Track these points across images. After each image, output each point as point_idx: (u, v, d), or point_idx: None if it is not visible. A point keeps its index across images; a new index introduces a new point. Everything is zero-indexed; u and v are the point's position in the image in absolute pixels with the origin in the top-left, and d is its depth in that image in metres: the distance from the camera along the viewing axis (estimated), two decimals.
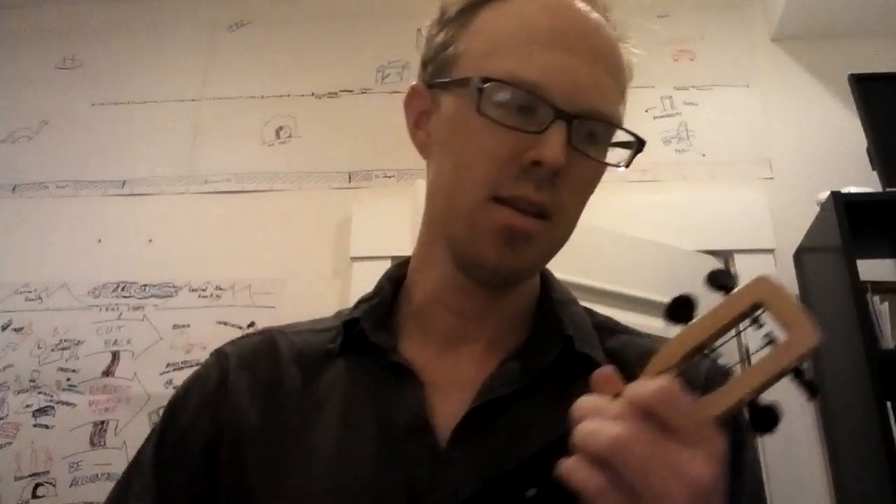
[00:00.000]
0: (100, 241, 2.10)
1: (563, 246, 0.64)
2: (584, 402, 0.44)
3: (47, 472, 1.83)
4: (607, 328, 0.68)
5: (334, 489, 0.56)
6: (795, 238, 1.85)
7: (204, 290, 2.00)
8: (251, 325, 1.95)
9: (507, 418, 0.58)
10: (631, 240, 1.80)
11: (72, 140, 2.25)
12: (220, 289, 2.00)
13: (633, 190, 2.04)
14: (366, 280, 2.24)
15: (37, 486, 1.81)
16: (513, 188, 0.56)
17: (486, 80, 0.57)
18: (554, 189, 0.57)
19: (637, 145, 0.61)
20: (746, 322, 0.45)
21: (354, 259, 1.97)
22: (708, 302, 0.47)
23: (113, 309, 2.00)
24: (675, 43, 2.25)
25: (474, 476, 0.54)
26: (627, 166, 0.62)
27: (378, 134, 2.15)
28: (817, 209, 1.74)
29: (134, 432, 1.85)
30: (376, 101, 2.20)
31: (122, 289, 2.03)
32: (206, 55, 2.34)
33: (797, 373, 0.44)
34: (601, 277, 1.69)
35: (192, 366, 1.91)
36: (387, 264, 2.32)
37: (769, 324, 0.44)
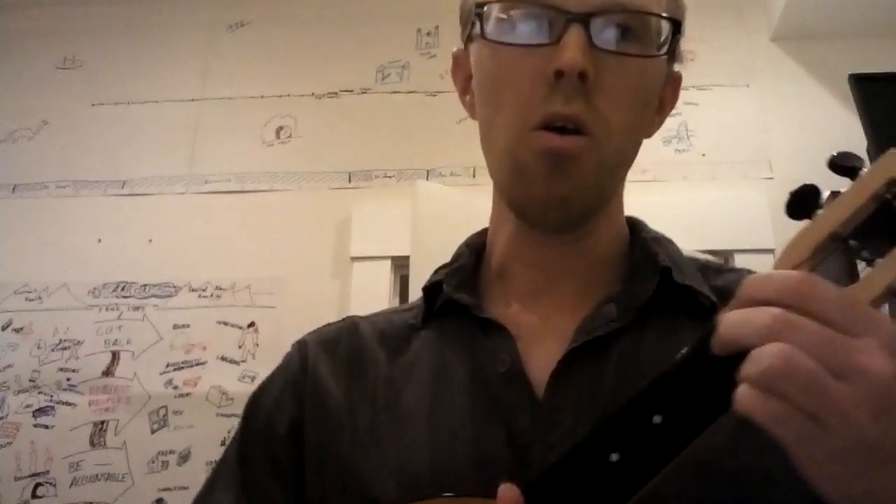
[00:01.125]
0: (100, 241, 2.10)
1: (623, 167, 0.59)
2: (732, 320, 0.38)
3: (47, 472, 1.83)
4: (712, 268, 0.62)
5: (433, 445, 0.53)
6: None
7: (204, 290, 2.00)
8: (251, 325, 1.95)
9: (611, 360, 0.54)
10: None
11: (72, 140, 2.25)
12: (220, 289, 2.00)
13: (633, 190, 2.01)
14: (366, 280, 2.26)
15: (37, 486, 1.81)
16: (541, 109, 0.53)
17: (481, 4, 0.55)
18: (589, 102, 0.52)
19: (673, 25, 0.55)
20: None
21: (354, 259, 1.97)
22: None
23: (113, 309, 2.00)
24: None
25: (582, 421, 0.50)
26: (667, 53, 0.56)
27: (378, 134, 2.15)
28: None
29: (134, 432, 1.85)
30: (376, 101, 2.20)
31: (122, 289, 2.03)
32: (206, 55, 2.34)
33: None
34: None
35: (192, 366, 1.91)
36: (387, 264, 2.33)
37: None
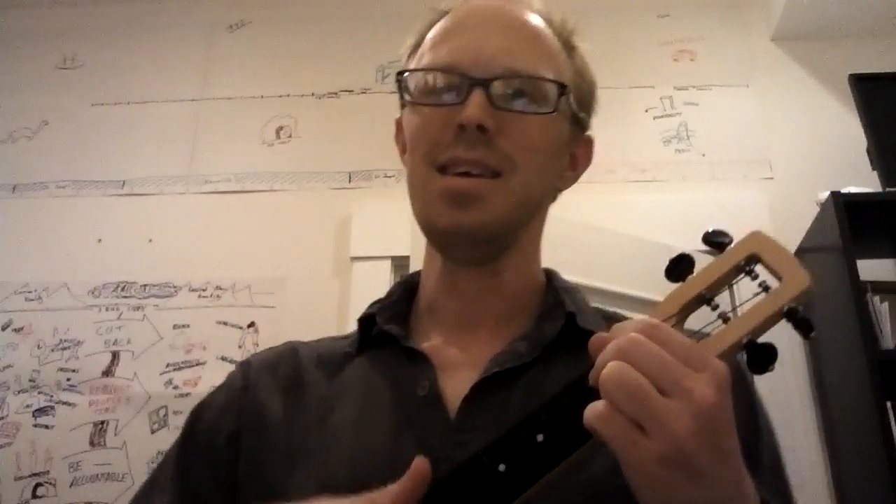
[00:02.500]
0: (100, 241, 2.10)
1: (533, 203, 0.67)
2: (595, 338, 0.47)
3: (47, 472, 1.83)
4: (616, 319, 0.67)
5: (353, 459, 0.59)
6: (795, 238, 1.85)
7: (204, 290, 2.00)
8: (251, 325, 1.95)
9: (518, 390, 0.61)
10: (631, 240, 1.80)
11: (72, 140, 2.25)
12: (220, 289, 2.00)
13: (633, 190, 2.04)
14: (366, 280, 2.26)
15: (37, 486, 1.81)
16: (446, 153, 0.62)
17: (401, 72, 0.67)
18: (492, 147, 0.62)
19: (559, 88, 0.65)
20: (742, 275, 0.49)
21: (354, 259, 1.97)
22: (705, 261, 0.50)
23: (113, 309, 2.00)
24: (675, 43, 2.25)
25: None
26: (554, 110, 0.65)
27: (378, 134, 2.14)
28: (817, 209, 1.74)
29: (134, 432, 1.85)
30: (376, 101, 2.20)
31: (122, 289, 2.03)
32: (206, 55, 2.34)
33: (790, 313, 0.46)
34: (601, 277, 1.69)
35: (192, 366, 1.91)
36: (387, 264, 2.33)
37: (763, 274, 0.48)
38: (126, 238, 2.09)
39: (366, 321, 0.70)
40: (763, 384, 2.02)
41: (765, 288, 0.48)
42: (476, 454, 0.48)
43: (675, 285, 0.50)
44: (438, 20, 0.71)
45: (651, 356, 0.43)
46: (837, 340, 1.65)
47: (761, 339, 0.47)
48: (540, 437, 0.46)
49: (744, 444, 0.44)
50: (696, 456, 0.41)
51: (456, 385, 0.61)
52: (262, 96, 2.26)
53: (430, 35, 0.70)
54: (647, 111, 2.15)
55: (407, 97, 0.67)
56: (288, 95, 2.25)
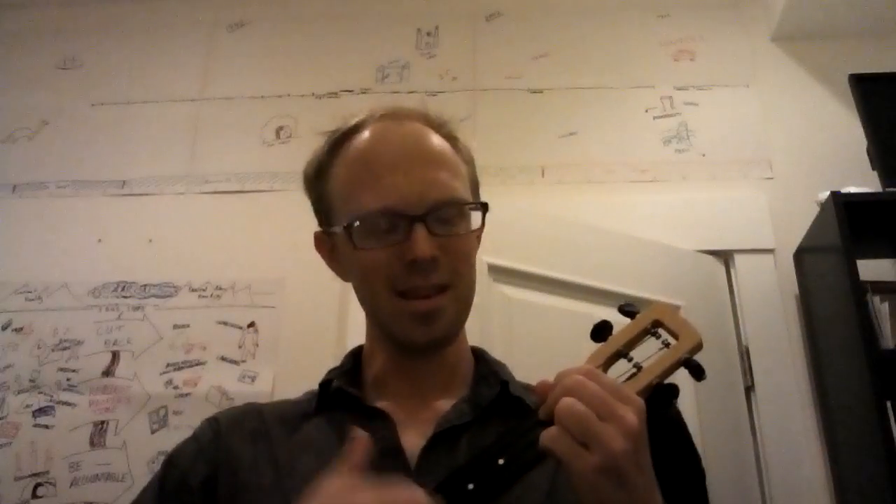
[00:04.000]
0: (100, 241, 2.10)
1: (471, 300, 0.78)
2: (541, 383, 0.60)
3: (47, 472, 1.83)
4: (529, 388, 0.79)
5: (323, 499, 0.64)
6: (795, 238, 1.86)
7: (204, 290, 2.00)
8: (251, 325, 1.95)
9: (463, 442, 0.72)
10: (631, 240, 1.80)
11: (72, 140, 2.25)
12: (220, 289, 2.00)
13: (633, 190, 2.04)
14: None
15: (37, 486, 1.81)
16: (407, 282, 0.72)
17: (348, 225, 0.74)
18: (439, 269, 0.72)
19: (482, 208, 0.77)
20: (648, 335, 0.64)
21: None
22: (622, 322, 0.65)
23: (113, 309, 2.00)
24: (675, 43, 2.25)
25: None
26: (482, 225, 0.78)
27: None
28: (817, 209, 1.74)
29: (134, 432, 1.85)
30: (376, 101, 2.20)
31: (122, 289, 2.03)
32: (206, 55, 2.34)
33: (687, 363, 0.61)
34: (601, 277, 1.69)
35: (192, 366, 1.91)
36: None
37: (664, 335, 0.63)
38: (126, 238, 2.09)
39: (324, 385, 0.80)
40: (763, 384, 2.02)
41: (666, 344, 0.63)
42: (448, 476, 0.57)
43: (598, 345, 0.64)
44: (342, 142, 0.81)
45: (592, 392, 0.55)
46: (837, 340, 1.65)
47: (666, 382, 0.61)
48: (501, 461, 0.57)
49: (672, 472, 0.60)
50: (624, 467, 0.53)
51: (410, 439, 0.72)
52: (261, 96, 2.26)
53: (348, 165, 0.78)
54: (647, 111, 2.15)
55: (352, 242, 0.74)
56: (288, 95, 2.25)
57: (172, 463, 0.76)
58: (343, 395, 0.77)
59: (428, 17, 2.28)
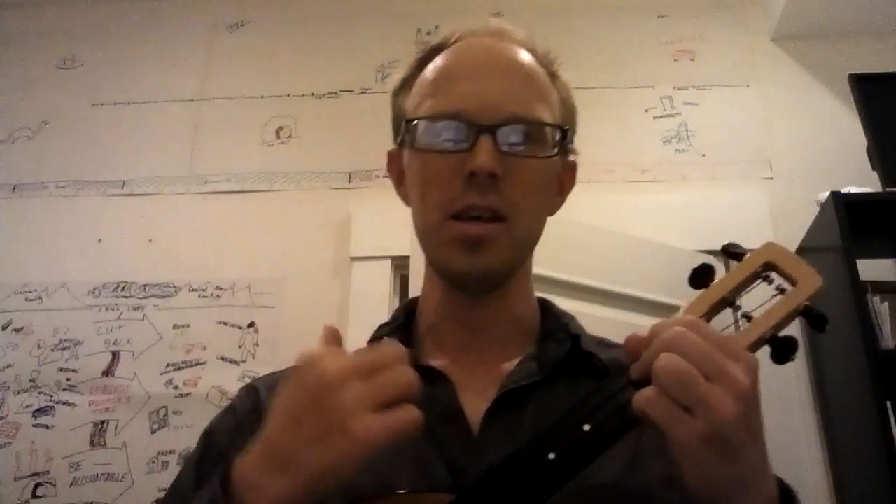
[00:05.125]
0: (100, 241, 2.10)
1: (532, 241, 0.71)
2: (630, 336, 0.51)
3: (47, 472, 1.83)
4: (604, 343, 0.74)
5: (375, 470, 0.59)
6: (795, 238, 1.85)
7: (204, 290, 2.00)
8: (251, 325, 1.95)
9: (530, 406, 0.65)
10: (631, 240, 1.80)
11: (72, 140, 2.25)
12: (220, 289, 2.00)
13: (633, 190, 2.04)
14: (366, 280, 2.26)
15: (37, 486, 1.81)
16: (460, 201, 0.65)
17: (410, 121, 0.69)
18: (500, 193, 0.65)
19: (561, 133, 0.69)
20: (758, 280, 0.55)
21: (354, 259, 1.97)
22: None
23: (113, 309, 2.00)
24: (675, 43, 2.25)
25: (502, 454, 0.59)
26: (556, 154, 0.69)
27: (378, 134, 2.12)
28: (817, 209, 1.74)
29: (134, 432, 1.85)
30: (376, 101, 2.20)
31: (122, 289, 2.03)
32: (206, 55, 2.34)
33: (807, 311, 0.53)
34: (601, 277, 1.69)
35: (192, 366, 1.91)
36: (387, 264, 2.33)
37: (777, 279, 0.55)
38: (126, 238, 2.09)
39: (372, 344, 0.73)
40: (763, 384, 2.01)
41: (781, 290, 0.54)
42: (528, 444, 0.51)
43: (697, 292, 0.55)
44: (431, 57, 0.73)
45: (696, 347, 0.48)
46: (837, 340, 1.65)
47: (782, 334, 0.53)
48: (587, 427, 0.50)
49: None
50: (734, 435, 0.46)
51: (471, 402, 0.65)
52: (262, 96, 2.26)
53: (427, 76, 0.72)
54: (647, 111, 2.15)
55: (413, 144, 0.69)
56: (288, 95, 2.25)
57: (210, 438, 0.72)
58: None
59: (428, 17, 2.28)
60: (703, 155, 2.09)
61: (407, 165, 0.73)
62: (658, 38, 2.25)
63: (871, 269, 1.69)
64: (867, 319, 1.54)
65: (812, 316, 0.53)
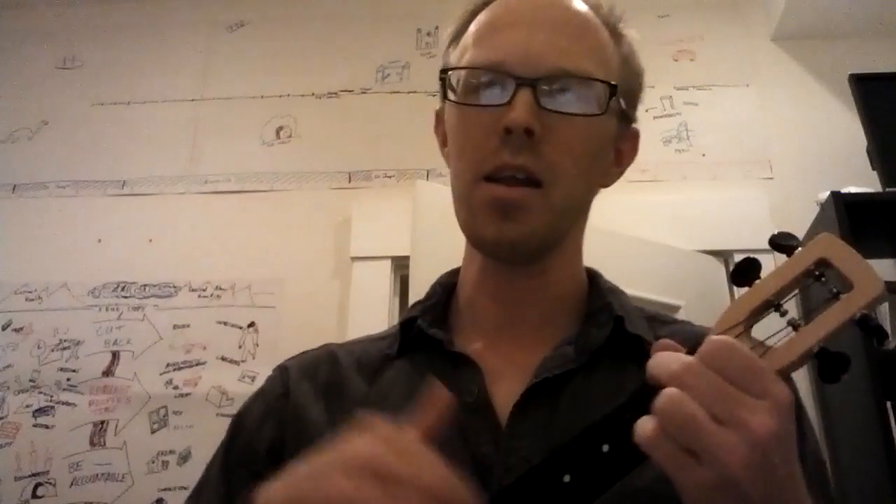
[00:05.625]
0: (100, 241, 2.10)
1: (575, 211, 0.65)
2: (653, 362, 0.45)
3: (47, 472, 1.82)
4: (658, 319, 0.69)
5: None
6: None
7: (204, 290, 2.00)
8: (251, 325, 1.95)
9: (565, 396, 0.60)
10: (631, 240, 1.80)
11: (72, 140, 2.25)
12: (220, 289, 2.00)
13: (633, 190, 2.04)
14: (366, 280, 2.26)
15: (37, 486, 1.81)
16: (492, 160, 0.60)
17: (445, 70, 0.64)
18: (537, 153, 0.59)
19: (610, 89, 0.62)
20: (810, 279, 0.47)
21: (354, 259, 1.97)
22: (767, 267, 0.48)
23: (113, 309, 2.00)
24: (675, 43, 2.25)
25: (537, 449, 0.56)
26: (603, 112, 0.62)
27: (378, 134, 2.15)
28: (817, 209, 1.74)
29: (134, 432, 1.85)
30: (376, 101, 2.20)
31: (122, 289, 2.03)
32: (206, 55, 2.34)
33: (863, 321, 0.45)
34: None
35: (192, 366, 1.91)
36: (387, 264, 2.33)
37: (833, 279, 0.46)
38: (126, 238, 2.09)
39: (406, 323, 0.69)
40: None
41: (835, 294, 0.46)
42: (538, 464, 0.46)
43: (742, 290, 0.48)
44: (482, 9, 0.68)
45: (708, 384, 0.42)
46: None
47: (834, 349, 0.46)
48: (605, 448, 0.45)
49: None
50: (749, 485, 0.41)
51: (502, 391, 0.60)
52: (261, 96, 2.26)
53: (472, 27, 0.66)
54: (647, 111, 2.15)
55: (451, 96, 0.64)
56: (288, 95, 2.25)
57: (239, 425, 0.68)
58: (426, 336, 0.66)
59: (428, 17, 2.28)
60: (704, 155, 2.09)
61: (447, 122, 0.68)
62: (658, 38, 2.25)
63: None
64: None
65: (869, 327, 0.45)
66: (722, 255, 1.93)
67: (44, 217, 2.15)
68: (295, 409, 0.65)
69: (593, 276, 0.71)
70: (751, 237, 1.93)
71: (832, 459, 1.70)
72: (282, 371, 0.70)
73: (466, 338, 0.66)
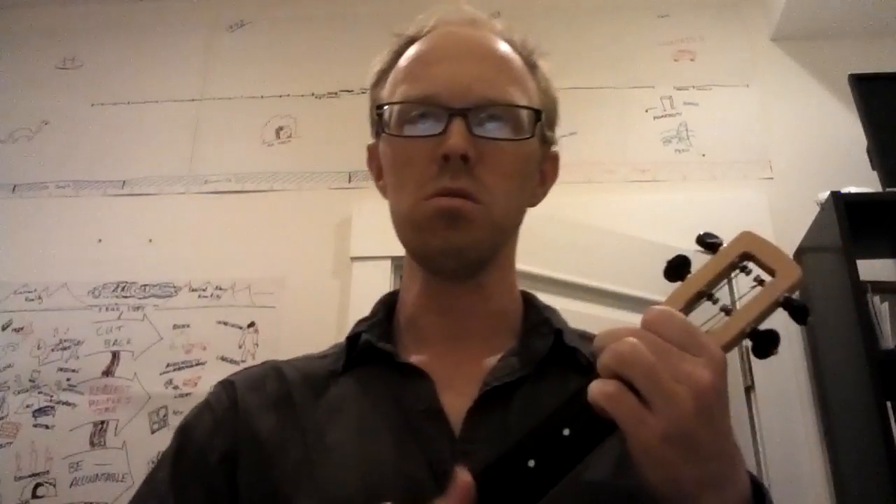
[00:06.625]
0: (100, 241, 2.10)
1: (510, 227, 0.70)
2: (603, 333, 0.49)
3: (47, 472, 1.83)
4: (586, 336, 0.73)
5: (360, 473, 0.59)
6: (795, 238, 1.85)
7: (204, 290, 2.00)
8: (251, 325, 1.95)
9: (516, 403, 0.63)
10: (631, 240, 1.80)
11: (72, 140, 2.25)
12: (220, 289, 2.00)
13: (633, 190, 2.04)
14: (366, 280, 2.26)
15: (37, 486, 1.81)
16: (434, 185, 0.64)
17: (381, 106, 0.69)
18: (473, 176, 0.64)
19: (535, 115, 0.68)
20: (736, 271, 0.54)
21: (354, 259, 1.97)
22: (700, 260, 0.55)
23: (113, 309, 2.00)
24: (675, 43, 2.25)
25: (489, 454, 0.57)
26: (531, 136, 0.67)
27: None
28: (817, 209, 1.74)
29: (134, 432, 1.85)
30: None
31: (122, 289, 2.03)
32: (206, 55, 2.34)
33: (787, 302, 0.51)
34: (601, 277, 1.69)
35: (192, 366, 1.91)
36: (387, 264, 2.33)
37: (756, 270, 0.53)
38: (126, 238, 2.09)
39: (352, 339, 0.71)
40: (763, 384, 2.02)
41: (760, 282, 0.52)
42: (505, 452, 0.49)
43: (675, 285, 0.54)
44: (406, 47, 0.73)
45: (653, 344, 0.46)
46: (837, 340, 1.65)
47: (762, 327, 0.51)
48: (566, 432, 0.48)
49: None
50: (696, 434, 0.45)
51: (454, 400, 0.63)
52: (261, 96, 2.26)
53: (401, 64, 0.72)
54: (647, 111, 2.15)
55: (387, 130, 0.68)
56: (288, 95, 2.25)
57: (187, 436, 0.68)
58: (373, 351, 0.69)
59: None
60: (703, 155, 2.09)
61: (382, 154, 0.73)
62: (658, 38, 2.25)
63: (871, 269, 1.69)
64: (867, 319, 1.54)
65: (793, 307, 0.51)
66: None
67: (44, 217, 2.15)
68: (246, 421, 0.66)
69: (528, 297, 0.76)
70: None
71: (832, 459, 1.70)
72: (226, 385, 0.71)
73: (411, 352, 0.69)
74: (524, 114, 0.67)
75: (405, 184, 0.67)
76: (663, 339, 0.47)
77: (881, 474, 1.43)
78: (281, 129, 2.21)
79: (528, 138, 0.67)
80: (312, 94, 2.24)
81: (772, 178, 2.03)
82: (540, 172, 0.74)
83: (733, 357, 1.81)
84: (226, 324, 1.96)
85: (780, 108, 2.13)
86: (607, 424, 0.47)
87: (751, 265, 0.53)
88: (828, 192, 1.68)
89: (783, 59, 2.20)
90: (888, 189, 1.68)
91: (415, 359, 0.68)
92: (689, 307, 0.52)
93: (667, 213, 1.97)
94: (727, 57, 2.21)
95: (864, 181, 1.75)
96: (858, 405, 1.54)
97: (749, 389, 1.78)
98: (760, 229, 2.02)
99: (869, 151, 1.76)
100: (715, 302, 0.52)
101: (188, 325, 1.96)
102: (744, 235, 0.55)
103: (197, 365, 1.92)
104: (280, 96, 2.25)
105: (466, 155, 0.62)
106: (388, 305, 0.76)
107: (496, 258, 0.70)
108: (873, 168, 1.74)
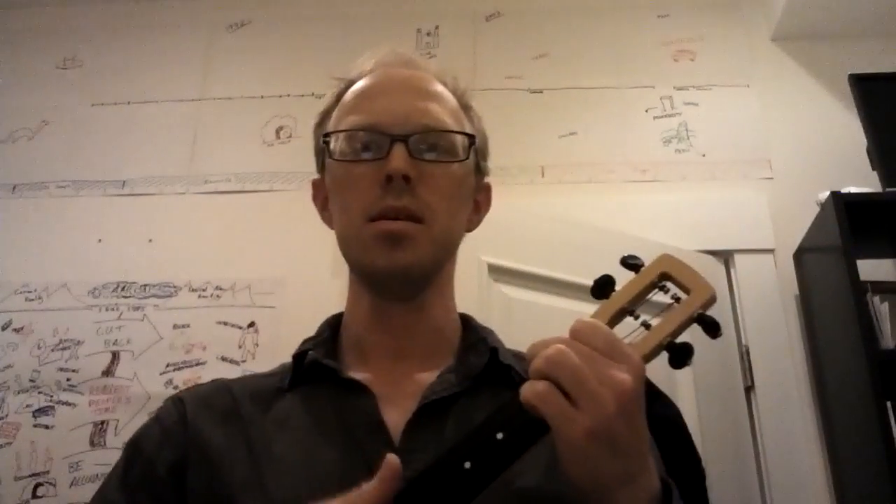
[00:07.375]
0: (100, 241, 2.10)
1: (450, 245, 0.75)
2: (535, 342, 0.54)
3: (47, 472, 1.83)
4: (520, 356, 0.75)
5: (309, 489, 0.60)
6: (795, 238, 1.86)
7: (204, 290, 2.00)
8: (251, 325, 1.95)
9: (452, 416, 0.68)
10: (631, 240, 1.80)
11: (72, 140, 2.25)
12: (220, 289, 2.00)
13: (632, 190, 2.04)
14: None
15: (37, 486, 1.81)
16: (378, 205, 0.69)
17: (326, 134, 0.75)
18: (415, 195, 0.69)
19: (469, 140, 0.74)
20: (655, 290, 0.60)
21: None
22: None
23: (113, 309, 2.00)
24: (675, 43, 2.25)
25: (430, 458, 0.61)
26: (466, 157, 0.74)
27: None
28: (817, 209, 1.74)
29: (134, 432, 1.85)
30: None
31: (122, 289, 2.03)
32: (206, 55, 2.34)
33: (701, 318, 0.56)
34: None
35: (191, 366, 1.91)
36: None
37: (673, 289, 0.59)
38: (126, 238, 2.09)
39: (298, 357, 0.75)
40: (763, 384, 2.02)
41: (676, 299, 0.58)
42: (442, 455, 0.53)
43: (601, 302, 0.59)
44: (347, 89, 0.80)
45: (580, 351, 0.51)
46: (837, 340, 1.65)
47: (678, 340, 0.56)
48: (500, 436, 0.52)
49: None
50: (617, 432, 0.49)
51: (394, 414, 0.67)
52: (261, 96, 2.26)
53: (345, 99, 0.79)
54: (647, 111, 2.15)
55: (331, 157, 0.74)
56: (288, 95, 2.25)
57: (136, 449, 0.70)
58: (319, 368, 0.72)
59: (428, 17, 2.28)
60: (703, 155, 2.09)
61: (328, 180, 0.77)
62: (658, 38, 2.25)
63: (871, 269, 1.69)
64: (867, 319, 1.54)
65: (705, 323, 0.56)
66: (722, 255, 1.93)
67: (44, 217, 2.15)
68: (195, 434, 0.69)
69: (466, 318, 0.81)
70: (751, 237, 1.93)
71: (832, 459, 1.70)
72: (175, 401, 0.74)
73: (356, 370, 0.73)
74: (459, 139, 0.74)
75: (351, 206, 0.72)
76: (590, 348, 0.52)
77: (881, 474, 1.43)
78: (281, 129, 2.21)
79: (464, 160, 0.73)
80: (312, 94, 2.24)
81: (772, 178, 2.03)
82: (475, 202, 0.80)
83: (734, 357, 1.81)
84: (226, 324, 1.96)
85: (780, 108, 2.13)
86: (538, 426, 0.51)
87: (669, 284, 0.59)
88: (828, 192, 1.68)
89: (783, 59, 2.20)
90: (888, 189, 1.68)
91: (358, 375, 0.71)
92: (613, 321, 0.57)
93: (667, 213, 1.97)
94: (727, 57, 2.22)
95: (864, 181, 1.76)
96: (858, 405, 1.54)
97: (749, 389, 1.78)
98: (760, 229, 2.04)
99: (869, 151, 1.76)
100: (636, 318, 0.57)
101: (188, 325, 1.96)
102: (663, 258, 0.60)
103: (197, 365, 1.92)
104: (280, 96, 2.25)
105: (408, 175, 0.68)
106: (333, 326, 0.81)
107: (436, 279, 0.75)
108: (873, 168, 1.74)
